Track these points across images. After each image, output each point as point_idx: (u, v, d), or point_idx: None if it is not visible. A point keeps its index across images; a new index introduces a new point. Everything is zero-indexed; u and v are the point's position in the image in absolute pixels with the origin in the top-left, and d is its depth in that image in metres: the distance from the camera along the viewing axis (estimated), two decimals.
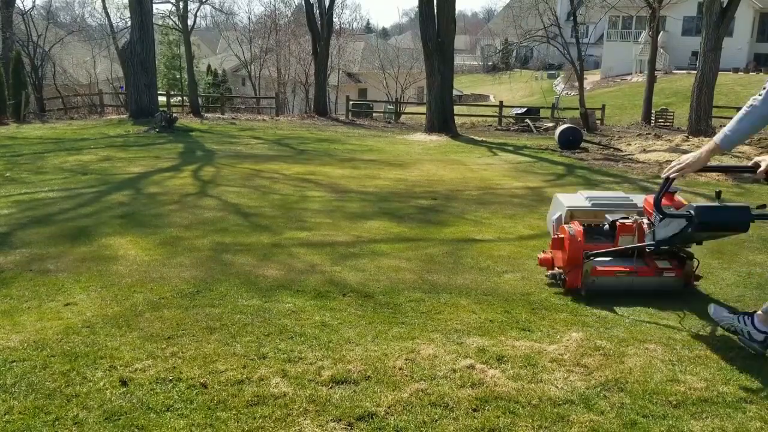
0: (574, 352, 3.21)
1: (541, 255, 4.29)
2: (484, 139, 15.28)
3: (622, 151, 12.80)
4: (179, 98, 27.18)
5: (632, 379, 2.94)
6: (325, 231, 5.60)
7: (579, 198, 4.37)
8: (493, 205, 6.89)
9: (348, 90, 35.44)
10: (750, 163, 3.19)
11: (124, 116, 18.64)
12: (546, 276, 4.29)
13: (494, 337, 3.39)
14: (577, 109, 21.29)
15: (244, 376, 2.87)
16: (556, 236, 4.12)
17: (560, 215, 4.20)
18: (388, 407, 2.64)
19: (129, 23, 18.85)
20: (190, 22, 22.79)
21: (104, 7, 43.04)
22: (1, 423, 2.49)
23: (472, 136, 15.71)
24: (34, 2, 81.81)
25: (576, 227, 3.97)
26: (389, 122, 21.60)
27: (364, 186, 7.92)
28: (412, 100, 31.21)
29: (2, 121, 17.08)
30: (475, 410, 2.64)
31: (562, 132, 13.31)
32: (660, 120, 23.30)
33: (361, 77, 42.62)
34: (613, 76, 44.88)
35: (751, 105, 3.09)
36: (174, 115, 16.49)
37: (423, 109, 15.96)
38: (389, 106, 25.52)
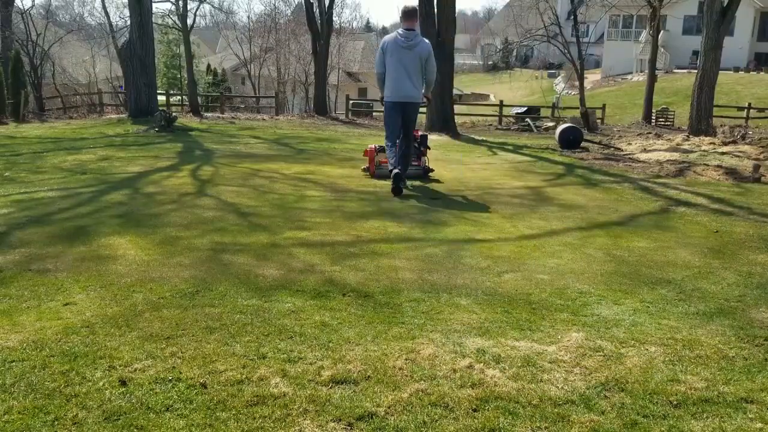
0: (574, 352, 3.21)
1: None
2: (484, 138, 15.27)
3: (622, 150, 12.78)
4: (179, 97, 27.19)
5: (632, 379, 2.94)
6: (324, 231, 5.60)
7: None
8: (493, 205, 6.88)
9: (348, 89, 35.44)
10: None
11: (124, 116, 18.63)
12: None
13: (494, 337, 3.38)
14: (578, 108, 21.30)
15: (244, 376, 2.87)
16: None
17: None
18: (388, 407, 2.64)
19: (128, 22, 18.84)
20: (189, 21, 22.80)
21: (103, 6, 43.29)
22: (0, 423, 2.49)
23: (472, 136, 15.70)
24: (33, 1, 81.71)
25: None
26: None
27: (364, 185, 7.91)
28: None
29: (1, 120, 17.07)
30: (475, 410, 2.64)
31: (562, 131, 13.29)
32: (661, 119, 23.32)
33: (361, 76, 42.65)
34: (613, 75, 44.93)
35: None
36: (173, 114, 16.48)
37: (423, 108, 15.94)
38: None
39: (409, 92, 7.25)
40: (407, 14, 7.20)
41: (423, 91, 7.50)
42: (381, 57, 7.31)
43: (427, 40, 7.32)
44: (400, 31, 7.19)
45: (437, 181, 8.37)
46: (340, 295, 3.97)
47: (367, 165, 8.55)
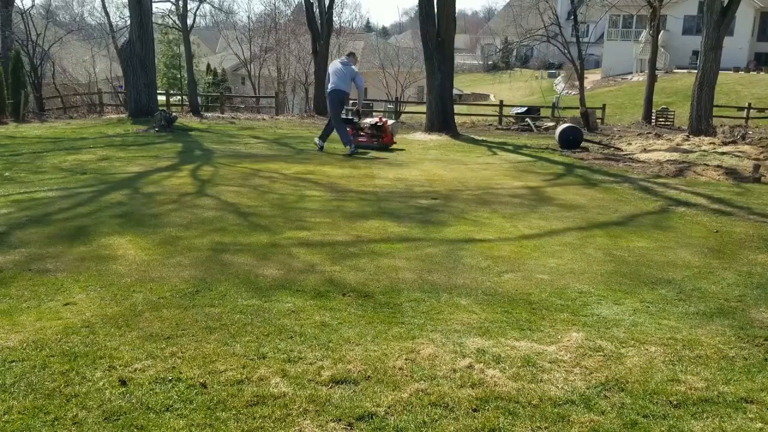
0: (574, 352, 3.21)
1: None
2: (484, 138, 15.26)
3: (622, 150, 12.78)
4: (179, 97, 27.14)
5: (632, 379, 2.94)
6: (324, 231, 5.60)
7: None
8: (493, 205, 6.88)
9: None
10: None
11: (124, 115, 18.61)
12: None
13: (494, 337, 3.39)
14: (578, 108, 21.28)
15: (244, 376, 2.87)
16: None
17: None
18: (388, 407, 2.64)
19: (128, 22, 18.81)
20: (189, 21, 22.76)
21: (103, 6, 43.27)
22: (0, 423, 2.49)
23: (472, 136, 15.68)
24: (33, 1, 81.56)
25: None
26: None
27: (364, 185, 7.91)
28: (412, 100, 31.16)
29: (1, 120, 17.06)
30: (475, 410, 2.64)
31: (562, 131, 13.28)
32: (661, 119, 23.29)
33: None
34: (613, 75, 44.89)
35: None
36: (173, 114, 16.46)
37: (423, 108, 15.91)
38: (389, 105, 25.47)
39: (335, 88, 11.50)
40: (350, 55, 12.14)
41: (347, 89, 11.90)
42: (328, 72, 12.03)
43: (354, 67, 11.75)
44: (342, 58, 11.90)
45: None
46: (340, 295, 3.97)
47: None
